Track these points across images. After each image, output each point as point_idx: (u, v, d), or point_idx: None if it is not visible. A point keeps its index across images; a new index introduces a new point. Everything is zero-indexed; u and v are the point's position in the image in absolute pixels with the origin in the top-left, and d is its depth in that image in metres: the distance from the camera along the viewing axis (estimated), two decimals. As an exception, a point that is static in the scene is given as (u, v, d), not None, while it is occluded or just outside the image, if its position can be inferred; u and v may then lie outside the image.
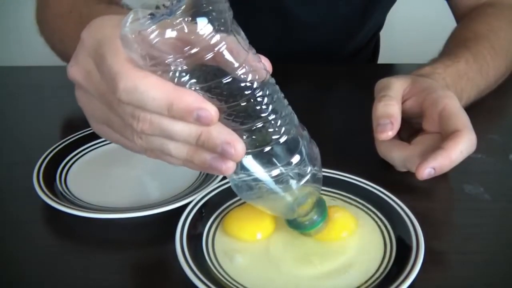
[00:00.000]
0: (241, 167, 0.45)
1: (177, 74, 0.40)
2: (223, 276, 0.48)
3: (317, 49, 1.00)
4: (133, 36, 0.38)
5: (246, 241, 0.52)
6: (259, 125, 0.42)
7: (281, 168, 0.45)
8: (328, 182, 0.58)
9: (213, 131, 0.42)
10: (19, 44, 1.46)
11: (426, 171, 0.56)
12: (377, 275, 0.48)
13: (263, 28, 1.01)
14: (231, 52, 0.40)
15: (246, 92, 0.41)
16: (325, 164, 0.60)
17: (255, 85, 0.41)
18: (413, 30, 1.61)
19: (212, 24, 0.38)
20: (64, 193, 0.59)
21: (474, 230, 0.56)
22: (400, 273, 0.46)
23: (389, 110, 0.60)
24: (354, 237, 0.52)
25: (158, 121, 0.42)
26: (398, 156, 0.61)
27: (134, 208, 0.56)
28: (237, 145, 0.42)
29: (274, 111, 0.43)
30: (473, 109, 0.67)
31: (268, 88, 0.43)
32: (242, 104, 0.41)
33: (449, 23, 0.90)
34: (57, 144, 0.65)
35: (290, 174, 0.45)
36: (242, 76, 0.41)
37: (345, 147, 0.68)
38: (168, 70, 0.40)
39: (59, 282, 0.50)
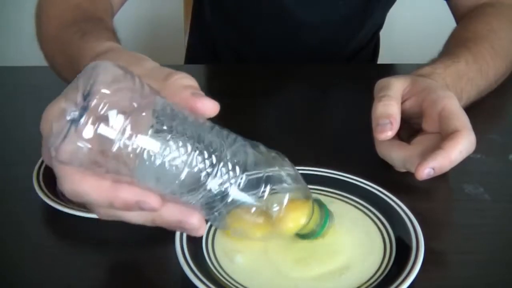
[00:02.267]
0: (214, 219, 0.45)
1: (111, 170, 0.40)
2: (223, 276, 0.48)
3: (318, 49, 1.00)
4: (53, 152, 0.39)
5: (246, 242, 0.52)
6: (207, 188, 0.42)
7: (258, 202, 0.45)
8: (328, 182, 0.58)
9: (164, 214, 0.42)
10: (19, 44, 1.46)
11: (425, 171, 0.56)
12: (377, 275, 0.48)
13: (264, 30, 1.01)
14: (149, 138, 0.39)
15: (182, 173, 0.40)
16: (325, 164, 0.60)
17: (185, 159, 0.40)
18: (413, 30, 1.61)
19: (123, 113, 0.38)
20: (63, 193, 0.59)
21: (474, 230, 0.56)
22: (400, 273, 0.46)
23: (388, 110, 0.60)
24: (354, 237, 0.52)
25: (110, 212, 0.43)
26: (398, 156, 0.61)
27: (134, 208, 0.55)
28: (191, 219, 0.42)
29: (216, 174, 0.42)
30: (473, 109, 0.67)
31: (204, 150, 0.41)
32: (181, 179, 0.41)
33: (449, 23, 0.90)
34: (57, 144, 0.65)
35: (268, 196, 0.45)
36: (169, 159, 0.40)
37: (345, 147, 0.68)
38: (104, 168, 0.40)
39: (59, 282, 0.50)
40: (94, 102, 0.37)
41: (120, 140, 0.38)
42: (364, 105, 0.64)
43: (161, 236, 0.54)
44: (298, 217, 0.48)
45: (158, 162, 0.40)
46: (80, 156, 0.38)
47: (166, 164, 0.40)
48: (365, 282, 0.47)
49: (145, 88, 0.40)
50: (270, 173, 0.45)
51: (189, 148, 0.40)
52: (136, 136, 0.38)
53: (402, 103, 0.62)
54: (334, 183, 0.58)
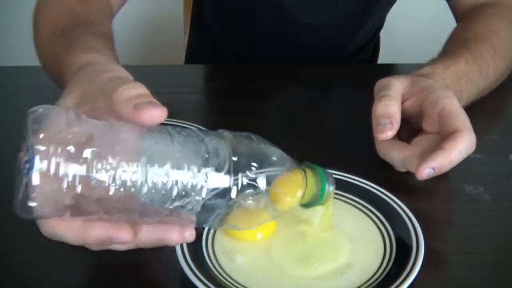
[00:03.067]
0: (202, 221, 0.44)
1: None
2: (223, 276, 0.48)
3: (318, 49, 1.00)
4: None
5: (246, 241, 0.52)
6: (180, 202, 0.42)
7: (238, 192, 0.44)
8: (328, 182, 0.58)
9: (143, 238, 0.43)
10: (19, 44, 1.46)
11: (425, 171, 0.56)
12: (377, 275, 0.48)
13: (263, 30, 1.01)
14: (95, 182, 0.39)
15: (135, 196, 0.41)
16: (325, 164, 0.60)
17: (139, 183, 0.40)
18: (413, 30, 1.61)
19: (63, 157, 0.39)
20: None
21: (474, 230, 0.56)
22: (400, 273, 0.46)
23: (388, 110, 0.60)
24: (354, 237, 0.52)
25: (98, 246, 0.45)
26: (398, 156, 0.61)
27: (134, 208, 0.55)
28: (170, 236, 0.44)
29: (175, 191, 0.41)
30: (473, 109, 0.67)
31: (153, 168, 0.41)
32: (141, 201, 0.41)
33: (449, 23, 0.90)
34: (57, 144, 0.65)
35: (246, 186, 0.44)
36: (116, 189, 0.40)
37: (345, 147, 0.68)
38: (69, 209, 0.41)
39: (59, 282, 0.50)
40: (34, 154, 0.39)
41: (66, 183, 0.39)
42: (364, 105, 0.64)
43: (161, 236, 0.54)
44: (291, 191, 0.48)
45: (108, 191, 0.40)
46: (40, 208, 0.40)
47: (119, 191, 0.40)
48: (365, 282, 0.47)
49: (82, 124, 0.40)
50: (239, 160, 0.44)
51: (134, 170, 0.40)
52: (77, 175, 0.39)
53: (402, 103, 0.62)
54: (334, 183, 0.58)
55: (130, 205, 0.41)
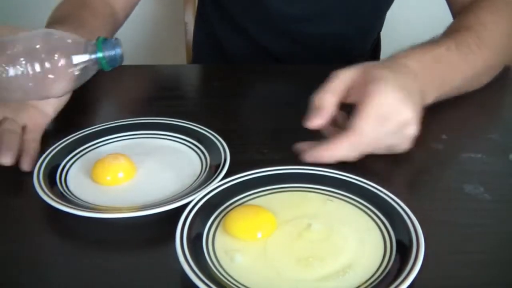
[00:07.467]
0: None
1: None
2: (223, 276, 0.48)
3: (312, 46, 1.00)
4: None
5: (246, 241, 0.52)
6: None
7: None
8: (328, 181, 0.58)
9: None
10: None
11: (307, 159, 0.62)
12: (377, 275, 0.48)
13: (258, 28, 1.01)
14: None
15: None
16: (325, 164, 0.60)
17: None
18: (413, 30, 1.61)
19: None
20: (64, 193, 0.59)
21: (474, 230, 0.56)
22: (400, 273, 0.47)
23: (320, 102, 0.64)
24: (354, 237, 0.52)
25: None
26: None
27: (134, 208, 0.56)
28: None
29: None
30: (473, 109, 0.67)
31: None
32: None
33: (449, 23, 0.90)
34: (57, 144, 0.65)
35: None
36: None
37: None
38: None
39: (59, 282, 0.50)
40: None
41: None
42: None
43: (161, 236, 0.54)
44: None
45: None
46: None
47: None
48: (365, 282, 0.47)
49: None
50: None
51: None
52: None
53: (350, 95, 0.64)
54: (334, 182, 0.58)
55: None
